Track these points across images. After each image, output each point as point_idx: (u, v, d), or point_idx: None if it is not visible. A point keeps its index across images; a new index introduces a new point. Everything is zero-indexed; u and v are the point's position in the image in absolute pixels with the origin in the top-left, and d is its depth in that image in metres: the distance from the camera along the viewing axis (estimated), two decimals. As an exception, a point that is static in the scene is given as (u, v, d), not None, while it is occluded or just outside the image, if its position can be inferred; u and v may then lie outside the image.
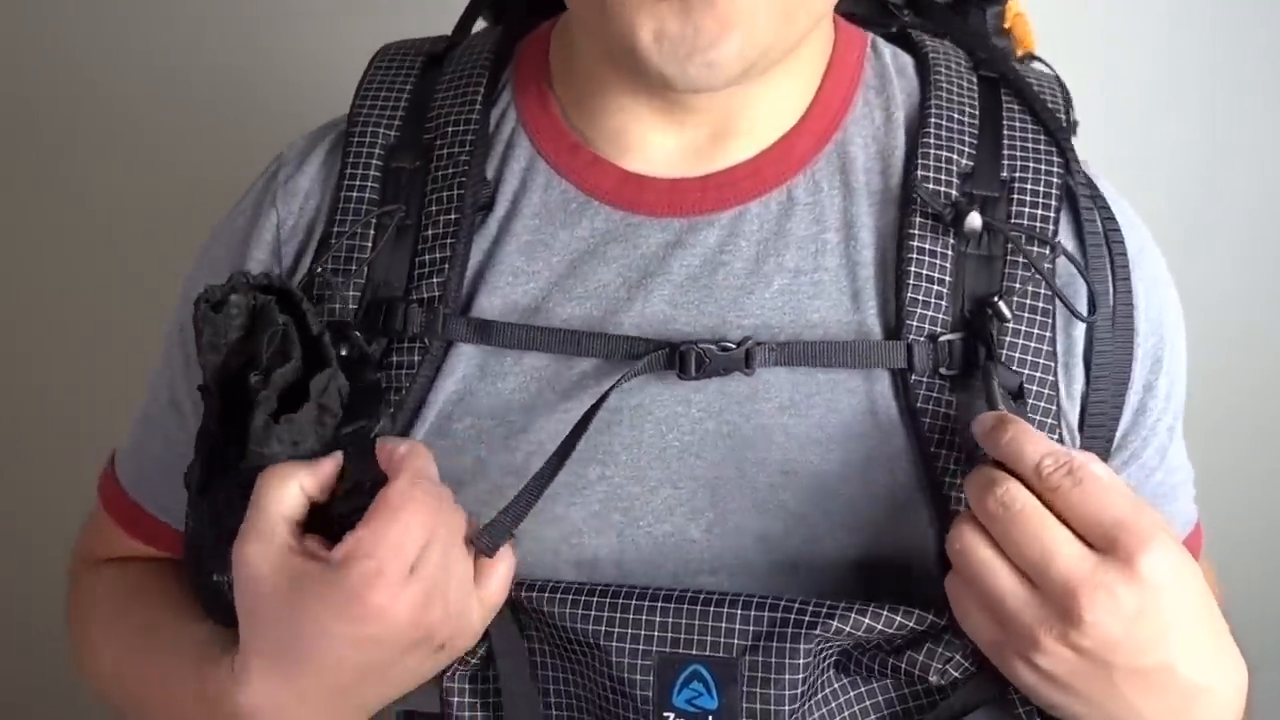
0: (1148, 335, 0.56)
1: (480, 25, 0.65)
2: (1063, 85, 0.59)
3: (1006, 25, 0.64)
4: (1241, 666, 0.50)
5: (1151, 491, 0.58)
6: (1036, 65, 0.64)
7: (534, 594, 0.50)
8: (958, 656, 0.48)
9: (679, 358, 0.51)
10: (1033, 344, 0.51)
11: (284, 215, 0.57)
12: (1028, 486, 0.45)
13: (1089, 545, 0.44)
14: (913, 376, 0.52)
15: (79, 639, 0.64)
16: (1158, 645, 0.44)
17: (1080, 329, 0.53)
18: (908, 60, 0.58)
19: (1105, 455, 0.54)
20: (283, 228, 0.57)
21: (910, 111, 0.56)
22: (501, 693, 0.51)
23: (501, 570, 0.49)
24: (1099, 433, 0.54)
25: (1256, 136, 1.60)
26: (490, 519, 0.50)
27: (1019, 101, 0.55)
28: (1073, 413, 0.54)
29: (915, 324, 0.52)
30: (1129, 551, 0.43)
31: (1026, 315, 0.52)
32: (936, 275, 0.52)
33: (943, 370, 0.52)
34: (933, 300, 0.52)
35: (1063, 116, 0.56)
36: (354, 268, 0.54)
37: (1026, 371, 0.51)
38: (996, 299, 0.51)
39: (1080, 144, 0.61)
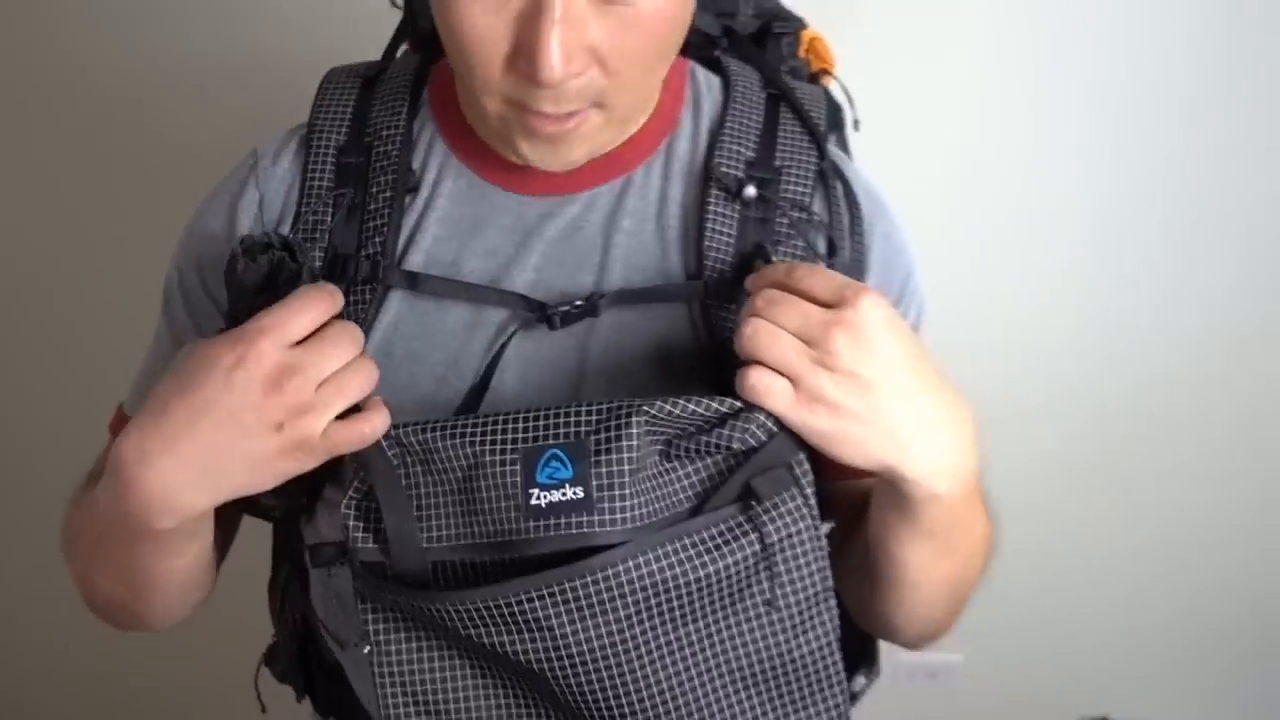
0: (878, 273, 0.77)
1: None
2: (830, 99, 0.82)
3: (803, 50, 0.85)
4: (965, 401, 0.67)
5: None
6: (824, 81, 0.85)
7: (413, 428, 0.64)
8: (753, 427, 0.63)
9: (548, 319, 0.71)
10: None
11: (265, 194, 0.77)
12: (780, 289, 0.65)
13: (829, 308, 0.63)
14: (710, 305, 0.71)
15: (64, 547, 0.79)
16: (893, 359, 0.62)
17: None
18: (716, 81, 0.79)
19: None
20: (264, 204, 0.76)
21: (715, 118, 0.76)
22: (382, 515, 0.64)
23: (370, 423, 0.63)
24: None
25: (1252, 140, 1.61)
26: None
27: (792, 111, 0.76)
28: None
29: (710, 265, 0.72)
30: (854, 299, 0.62)
31: (790, 257, 0.72)
32: (725, 231, 0.72)
33: (731, 306, 0.71)
34: (722, 248, 0.72)
35: (822, 123, 0.77)
36: (318, 235, 0.73)
37: None
38: (767, 246, 0.71)
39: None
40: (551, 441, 0.62)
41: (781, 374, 0.62)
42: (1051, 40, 1.56)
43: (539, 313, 0.71)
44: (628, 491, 0.61)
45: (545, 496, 0.62)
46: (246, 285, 0.65)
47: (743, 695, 0.66)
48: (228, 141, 0.89)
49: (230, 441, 0.61)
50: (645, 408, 0.62)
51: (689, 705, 0.64)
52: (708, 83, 0.78)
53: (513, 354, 0.72)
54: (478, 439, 0.63)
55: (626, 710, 0.63)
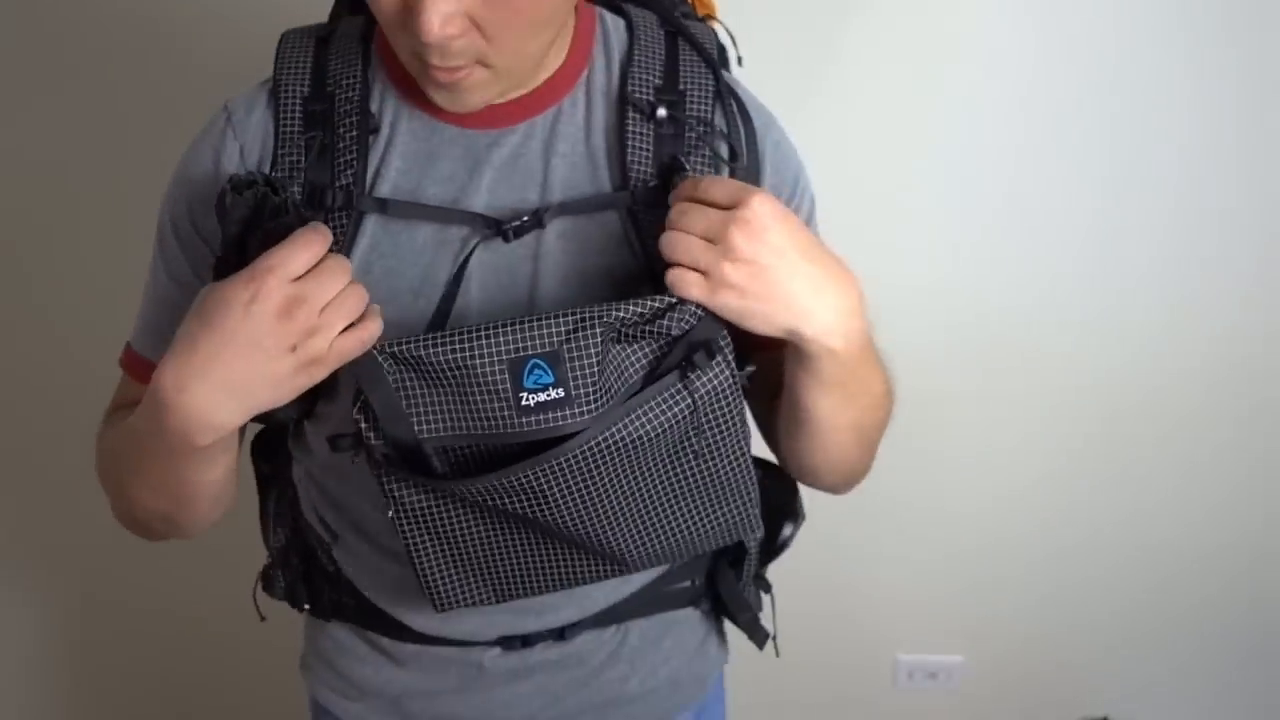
0: (771, 174, 0.91)
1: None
2: (716, 36, 0.95)
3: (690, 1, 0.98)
4: (850, 274, 0.81)
5: None
6: (712, 23, 0.98)
7: (408, 344, 0.76)
8: (685, 314, 0.78)
9: (502, 234, 0.84)
10: None
11: (243, 143, 0.87)
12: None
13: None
14: (638, 211, 0.85)
15: (100, 472, 0.92)
16: (783, 245, 0.76)
17: (726, 171, 0.87)
18: (621, 22, 0.91)
19: None
20: (244, 151, 0.87)
21: (623, 54, 0.89)
22: (378, 415, 0.78)
23: (368, 329, 0.75)
24: None
25: (1257, 136, 1.62)
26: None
27: (689, 44, 0.90)
28: None
29: (634, 176, 0.85)
30: (746, 199, 0.76)
31: (699, 167, 0.86)
32: (643, 147, 0.86)
33: (657, 210, 0.83)
34: (642, 162, 0.85)
35: (714, 52, 0.91)
36: (295, 174, 0.84)
37: None
38: (679, 157, 0.85)
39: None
40: (531, 352, 0.76)
41: (695, 269, 0.77)
42: (1052, 40, 1.57)
43: (494, 228, 0.84)
44: (595, 386, 0.77)
45: (533, 398, 0.76)
46: (236, 217, 0.77)
47: (681, 507, 0.85)
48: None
49: (253, 365, 0.73)
50: (602, 316, 0.77)
51: (645, 521, 0.84)
52: (614, 24, 0.91)
53: (475, 266, 0.85)
54: (465, 350, 0.76)
55: (603, 531, 0.82)
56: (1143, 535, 1.78)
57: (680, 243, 0.77)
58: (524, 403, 0.76)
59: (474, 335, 0.76)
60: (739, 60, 0.99)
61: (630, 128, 0.86)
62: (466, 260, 0.84)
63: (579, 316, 0.76)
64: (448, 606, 0.86)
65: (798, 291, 0.77)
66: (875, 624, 1.84)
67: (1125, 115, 1.58)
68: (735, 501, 0.86)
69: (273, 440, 1.03)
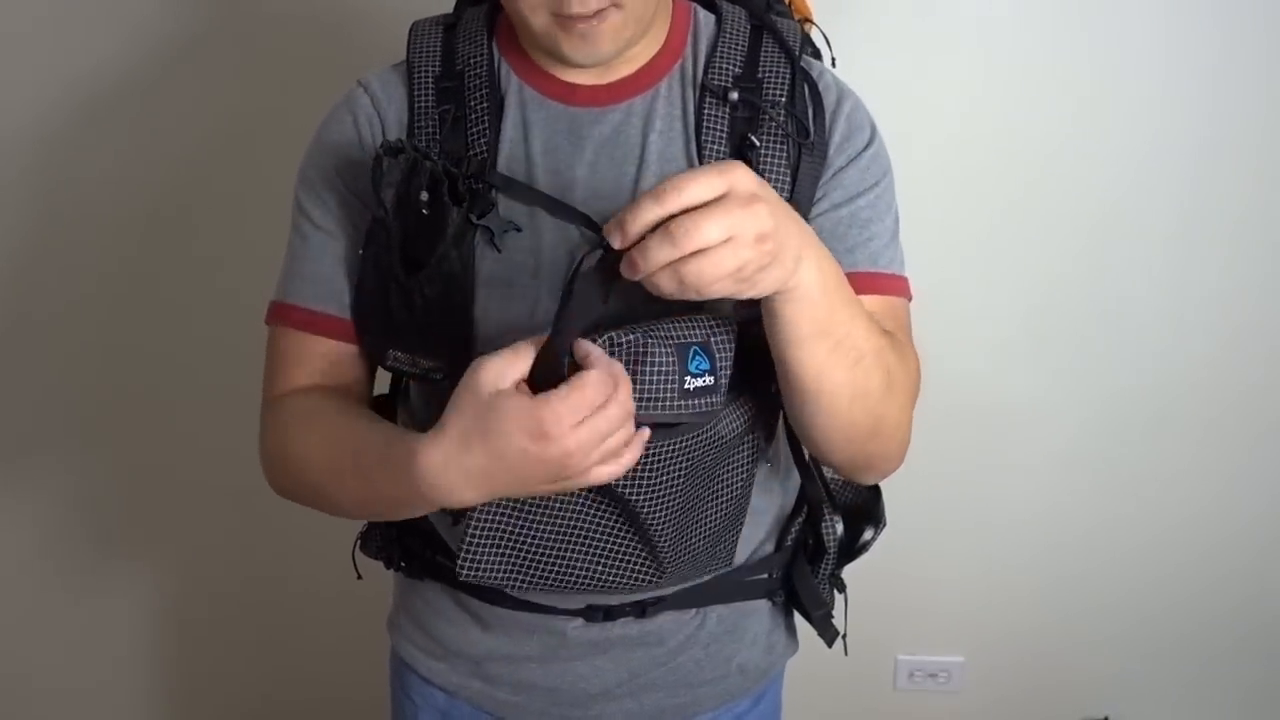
0: (841, 141, 0.96)
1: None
2: (804, 33, 1.02)
3: (788, 1, 1.07)
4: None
5: (846, 225, 0.95)
6: (807, 27, 1.06)
7: (594, 339, 0.79)
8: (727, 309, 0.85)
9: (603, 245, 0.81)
10: (775, 157, 0.93)
11: (382, 113, 0.97)
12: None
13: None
14: None
15: (275, 453, 0.97)
16: (774, 207, 0.74)
17: (795, 148, 0.93)
18: (712, 18, 0.99)
19: (806, 214, 0.93)
20: (383, 122, 0.96)
21: (710, 45, 0.97)
22: None
23: (622, 464, 0.78)
24: (801, 196, 0.93)
25: (1258, 135, 1.63)
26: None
27: (772, 36, 0.97)
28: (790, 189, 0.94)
29: (708, 156, 0.93)
30: (728, 178, 0.72)
31: (771, 144, 0.92)
32: (718, 129, 0.93)
33: None
34: (716, 141, 0.93)
35: (796, 44, 0.97)
36: (432, 144, 0.93)
37: (772, 171, 0.93)
38: (750, 136, 0.92)
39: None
40: (690, 340, 0.81)
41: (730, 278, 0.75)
42: (1052, 40, 1.57)
43: (596, 233, 0.87)
44: (729, 378, 0.84)
45: (693, 382, 0.81)
46: (391, 180, 0.86)
47: (707, 517, 0.92)
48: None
49: (513, 483, 0.78)
50: (732, 319, 0.85)
51: (686, 522, 0.90)
52: (706, 19, 1.00)
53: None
54: (640, 334, 0.80)
55: (664, 522, 0.88)
56: (1142, 536, 1.80)
57: (698, 281, 0.72)
58: (686, 386, 0.81)
59: (649, 324, 0.81)
60: (833, 62, 1.05)
61: (706, 111, 0.93)
62: (581, 261, 0.84)
63: (719, 319, 0.84)
64: (470, 576, 0.89)
65: (796, 239, 0.76)
66: (875, 624, 1.84)
67: (1130, 114, 1.57)
68: (739, 466, 0.93)
69: (376, 401, 1.05)
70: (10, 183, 1.64)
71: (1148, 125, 1.61)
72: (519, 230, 0.92)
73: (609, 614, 0.99)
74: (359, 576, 1.15)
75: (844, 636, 1.11)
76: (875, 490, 1.09)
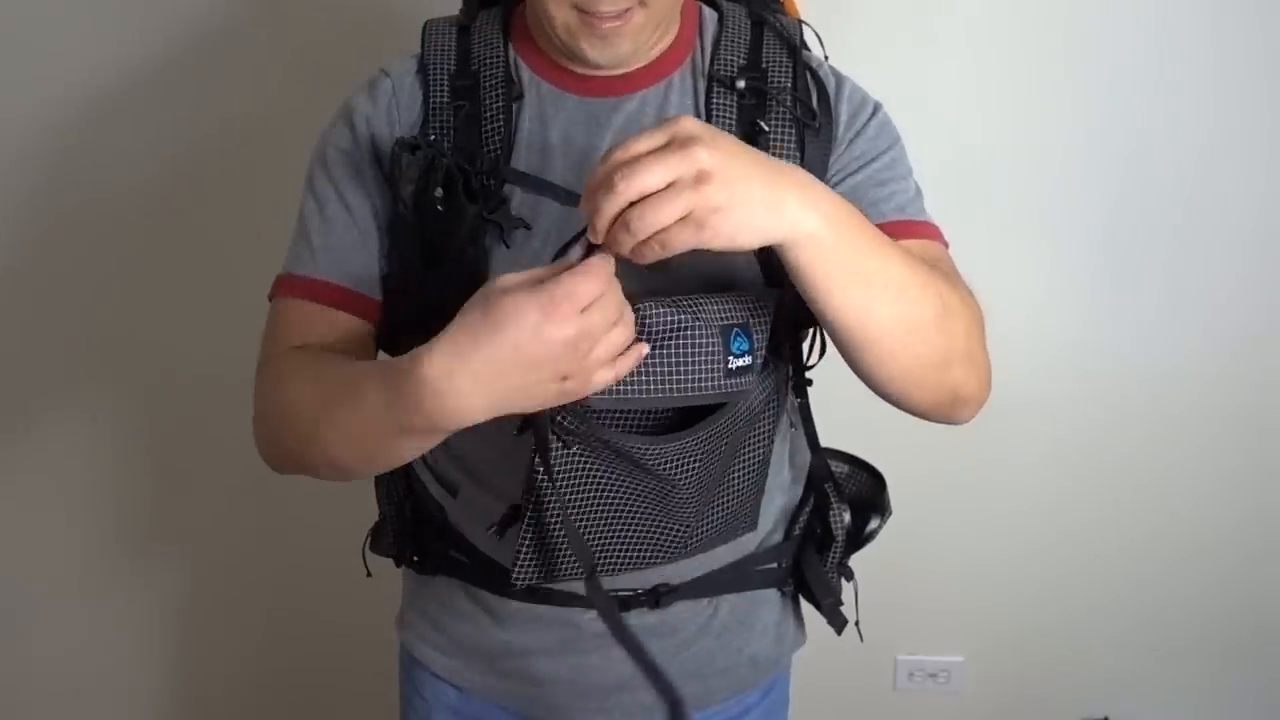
0: (848, 118, 0.99)
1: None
2: (800, 28, 1.04)
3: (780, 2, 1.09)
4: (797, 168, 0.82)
5: (865, 187, 0.97)
6: (800, 20, 1.08)
7: (638, 310, 0.80)
8: (756, 275, 0.91)
9: None
10: (783, 140, 0.96)
11: (399, 100, 0.98)
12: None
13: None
14: None
15: (269, 411, 0.94)
16: (731, 144, 0.74)
17: (801, 130, 0.96)
18: (715, 15, 1.03)
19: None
20: (401, 111, 0.98)
21: (715, 40, 1.01)
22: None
23: (625, 366, 0.78)
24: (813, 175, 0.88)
25: (1256, 135, 1.63)
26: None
27: (772, 31, 1.01)
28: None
29: None
30: (674, 126, 0.74)
31: (779, 128, 0.95)
32: (726, 116, 0.96)
33: None
34: (727, 126, 0.95)
35: (795, 37, 1.01)
36: (445, 139, 0.95)
37: (781, 153, 0.95)
38: (760, 121, 0.95)
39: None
40: (732, 322, 0.84)
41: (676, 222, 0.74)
42: (1053, 39, 1.58)
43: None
44: (763, 357, 0.87)
45: (735, 362, 0.84)
46: (410, 175, 0.88)
47: (726, 487, 0.95)
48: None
49: (525, 381, 0.75)
50: (771, 298, 0.87)
51: (711, 492, 0.93)
52: (710, 16, 1.04)
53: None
54: (687, 314, 0.82)
55: (693, 495, 0.91)
56: (1142, 536, 1.80)
57: (650, 210, 0.72)
58: (730, 365, 0.83)
59: (693, 302, 0.83)
60: (825, 58, 1.07)
61: (715, 100, 0.97)
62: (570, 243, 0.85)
63: (756, 299, 0.87)
64: (522, 581, 0.90)
65: (763, 180, 0.75)
66: (875, 624, 1.84)
67: (1133, 113, 1.58)
68: (758, 489, 0.97)
69: None
70: (21, 179, 1.64)
71: (1147, 125, 1.61)
72: (528, 228, 0.93)
73: (624, 604, 0.99)
74: (369, 574, 1.15)
75: (857, 624, 1.12)
76: (880, 481, 1.12)
